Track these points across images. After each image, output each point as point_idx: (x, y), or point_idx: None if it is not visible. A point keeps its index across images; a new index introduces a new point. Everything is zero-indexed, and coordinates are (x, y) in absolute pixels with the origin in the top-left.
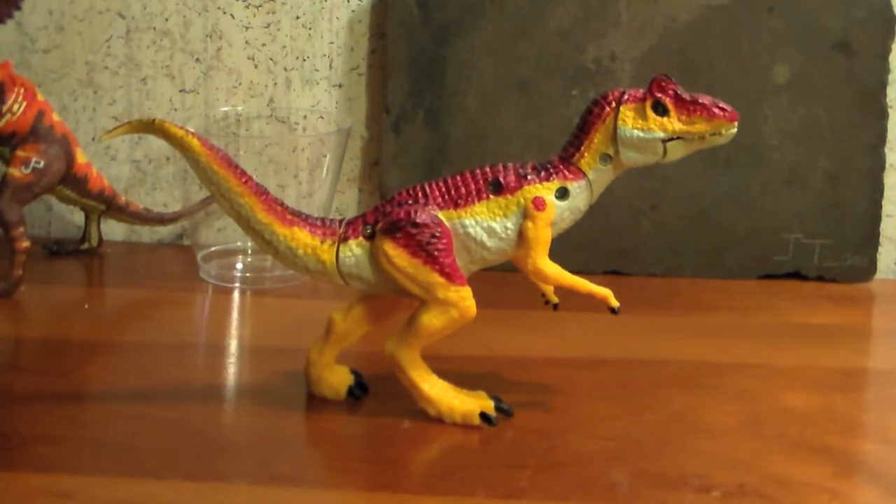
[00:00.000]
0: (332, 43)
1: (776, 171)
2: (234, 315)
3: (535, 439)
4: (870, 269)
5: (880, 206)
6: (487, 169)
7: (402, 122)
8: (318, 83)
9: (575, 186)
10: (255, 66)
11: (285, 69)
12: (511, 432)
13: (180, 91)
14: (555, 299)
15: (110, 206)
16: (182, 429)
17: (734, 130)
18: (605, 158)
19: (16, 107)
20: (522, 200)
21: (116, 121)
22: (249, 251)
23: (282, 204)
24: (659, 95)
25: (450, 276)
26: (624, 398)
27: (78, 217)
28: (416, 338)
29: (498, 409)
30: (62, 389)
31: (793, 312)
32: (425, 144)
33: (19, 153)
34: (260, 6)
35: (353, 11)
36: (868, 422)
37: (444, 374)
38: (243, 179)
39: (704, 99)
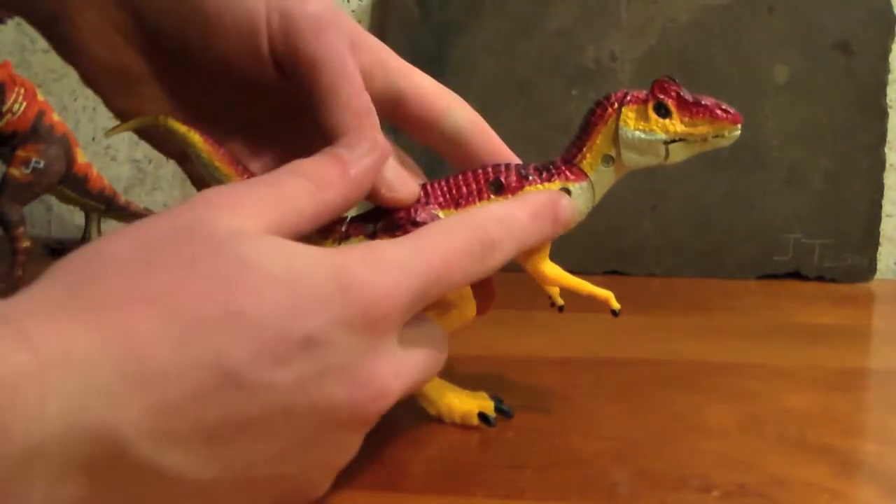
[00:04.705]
0: None
1: (776, 171)
2: None
3: (536, 439)
4: (870, 269)
5: (880, 206)
6: (489, 169)
7: None
8: None
9: (577, 187)
10: None
11: None
12: (511, 432)
13: None
14: (560, 301)
15: (110, 206)
16: None
17: (737, 133)
18: (607, 160)
19: (16, 107)
20: None
21: (116, 121)
22: None
23: None
24: (661, 97)
25: None
26: (624, 398)
27: (78, 217)
28: None
29: (498, 409)
30: None
31: (793, 312)
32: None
33: (19, 153)
34: None
35: (353, 11)
36: (868, 422)
37: (444, 373)
38: (245, 176)
39: (707, 100)
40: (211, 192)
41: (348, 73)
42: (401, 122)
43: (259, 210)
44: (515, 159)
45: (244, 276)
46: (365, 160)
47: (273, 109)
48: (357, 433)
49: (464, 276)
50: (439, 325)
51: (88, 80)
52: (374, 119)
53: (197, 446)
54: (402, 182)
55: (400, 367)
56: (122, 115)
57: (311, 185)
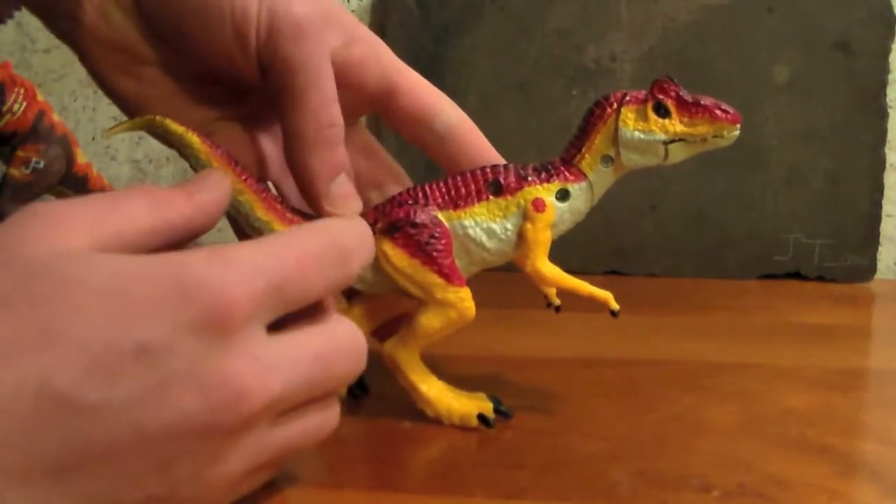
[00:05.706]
0: None
1: (776, 171)
2: None
3: (535, 439)
4: (870, 269)
5: (880, 206)
6: (488, 169)
7: None
8: None
9: (576, 188)
10: None
11: None
12: (511, 433)
13: None
14: (557, 301)
15: None
16: None
17: (737, 133)
18: (607, 160)
19: (16, 107)
20: (522, 202)
21: (116, 121)
22: None
23: (282, 202)
24: (661, 97)
25: (448, 276)
26: (624, 398)
27: None
28: (415, 338)
29: (497, 411)
30: None
31: (793, 312)
32: None
33: (19, 153)
34: None
35: (353, 11)
36: (868, 422)
37: (443, 374)
38: (243, 177)
39: (707, 101)
40: (39, 208)
41: (321, 81)
42: (392, 116)
43: (89, 225)
44: (502, 161)
45: (64, 295)
46: (211, 191)
47: (269, 100)
48: (225, 440)
49: (323, 281)
50: (347, 321)
51: (87, 58)
52: (339, 133)
53: (40, 481)
54: (343, 199)
55: (266, 366)
56: (117, 96)
57: (150, 201)
